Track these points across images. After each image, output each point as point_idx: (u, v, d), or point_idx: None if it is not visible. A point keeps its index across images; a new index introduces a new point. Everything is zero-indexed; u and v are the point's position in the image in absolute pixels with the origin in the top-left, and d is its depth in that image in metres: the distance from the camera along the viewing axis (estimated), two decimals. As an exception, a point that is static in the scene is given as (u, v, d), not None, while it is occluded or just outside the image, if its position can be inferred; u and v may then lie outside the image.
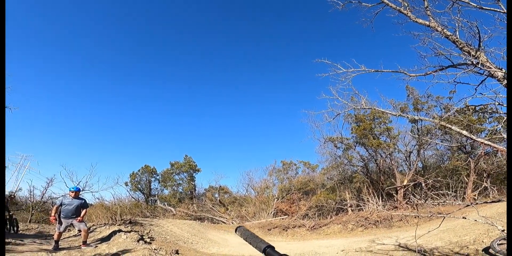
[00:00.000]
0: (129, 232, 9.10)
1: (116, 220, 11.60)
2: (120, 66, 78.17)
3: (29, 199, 16.64)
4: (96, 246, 7.37)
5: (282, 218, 15.92)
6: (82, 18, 76.83)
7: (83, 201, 7.48)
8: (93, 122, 71.16)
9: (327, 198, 17.49)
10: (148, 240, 8.69)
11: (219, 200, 20.74)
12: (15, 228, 10.37)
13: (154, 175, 25.96)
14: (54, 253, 6.36)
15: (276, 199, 18.81)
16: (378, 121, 17.96)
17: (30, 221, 14.17)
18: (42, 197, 16.50)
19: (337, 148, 19.46)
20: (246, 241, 1.17)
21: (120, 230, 9.11)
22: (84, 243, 7.31)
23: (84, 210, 7.40)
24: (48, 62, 73.40)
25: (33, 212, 15.25)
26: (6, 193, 9.99)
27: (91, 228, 10.86)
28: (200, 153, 61.32)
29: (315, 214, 16.14)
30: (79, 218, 7.18)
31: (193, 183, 25.00)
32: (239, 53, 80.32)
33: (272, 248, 1.07)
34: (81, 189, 8.02)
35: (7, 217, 10.58)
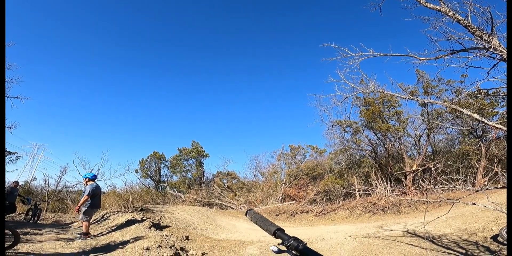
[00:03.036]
0: (141, 219, 9.37)
1: (128, 207, 11.92)
2: (128, 57, 78.23)
3: (45, 188, 17.14)
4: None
5: (290, 204, 16.11)
6: (94, 15, 76.14)
7: (86, 188, 7.30)
8: (103, 110, 72.17)
9: (335, 183, 17.56)
10: (159, 226, 8.94)
11: (227, 185, 21.05)
12: (36, 218, 10.73)
13: (163, 162, 26.41)
14: (71, 242, 6.60)
15: (283, 184, 18.98)
16: (387, 104, 17.67)
17: (46, 210, 14.66)
18: (57, 186, 16.97)
19: (345, 132, 19.34)
20: (256, 224, 1.17)
21: (132, 217, 9.38)
22: (80, 234, 7.12)
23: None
24: (60, 55, 73.79)
25: (49, 201, 15.73)
26: (8, 185, 10.24)
27: (104, 216, 11.22)
28: (207, 138, 62.11)
29: (322, 199, 16.27)
30: (76, 207, 6.98)
31: (202, 169, 25.35)
32: (245, 41, 79.13)
33: (282, 230, 1.07)
34: (88, 176, 7.58)
35: (32, 206, 10.96)
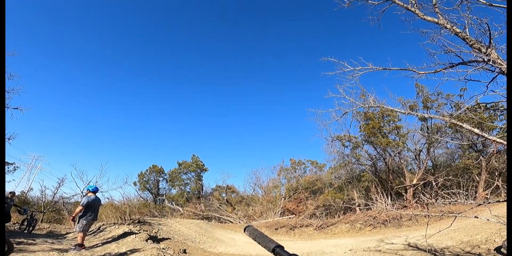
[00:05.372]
0: (138, 231, 9.18)
1: (125, 220, 11.72)
2: (129, 68, 79.38)
3: (41, 199, 16.96)
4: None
5: (289, 218, 15.86)
6: (94, 24, 78.06)
7: (83, 199, 7.46)
8: (102, 122, 72.39)
9: (335, 197, 17.38)
10: (156, 239, 8.76)
11: (226, 199, 20.79)
12: (31, 228, 10.57)
13: (162, 175, 26.20)
14: (65, 253, 6.45)
15: (283, 199, 18.75)
16: (387, 119, 17.74)
17: (42, 221, 14.43)
18: (53, 197, 16.79)
19: (345, 147, 19.31)
20: (255, 240, 1.15)
21: (129, 230, 9.21)
22: (75, 245, 6.99)
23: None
24: (58, 65, 74.87)
25: (45, 211, 15.50)
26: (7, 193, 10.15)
27: (100, 228, 11.01)
28: (207, 152, 61.94)
29: (322, 213, 16.05)
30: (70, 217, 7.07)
31: (201, 183, 25.12)
32: (246, 53, 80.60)
33: (281, 247, 1.05)
34: (89, 188, 7.81)
35: (28, 217, 10.83)
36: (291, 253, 1.01)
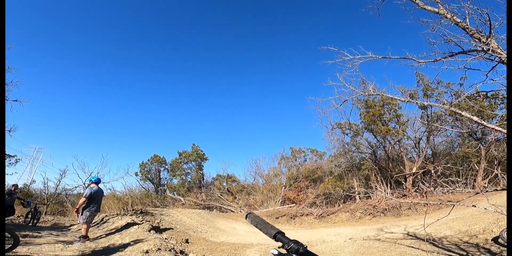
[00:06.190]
0: (141, 222, 9.33)
1: (127, 210, 11.89)
2: (128, 59, 78.51)
3: (44, 191, 17.14)
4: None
5: (290, 206, 16.07)
6: (93, 16, 76.63)
7: (86, 190, 7.53)
8: (103, 114, 72.25)
9: (335, 185, 17.53)
10: (159, 229, 8.90)
11: (227, 188, 20.97)
12: (35, 221, 10.71)
13: (163, 165, 26.32)
14: (70, 245, 6.57)
15: (283, 187, 18.93)
16: (388, 107, 17.68)
17: (45, 213, 14.63)
18: (56, 189, 16.95)
19: (345, 135, 19.34)
20: (256, 227, 1.17)
21: (132, 220, 9.34)
22: (79, 237, 7.10)
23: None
24: (59, 58, 74.06)
25: (48, 204, 15.69)
26: (7, 186, 10.21)
27: (104, 219, 11.17)
28: (207, 141, 62.12)
29: (322, 202, 16.23)
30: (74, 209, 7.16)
31: (201, 172, 25.27)
32: (245, 43, 79.50)
33: (283, 234, 1.08)
34: (91, 179, 7.89)
35: (32, 209, 10.95)
36: (291, 239, 1.03)
